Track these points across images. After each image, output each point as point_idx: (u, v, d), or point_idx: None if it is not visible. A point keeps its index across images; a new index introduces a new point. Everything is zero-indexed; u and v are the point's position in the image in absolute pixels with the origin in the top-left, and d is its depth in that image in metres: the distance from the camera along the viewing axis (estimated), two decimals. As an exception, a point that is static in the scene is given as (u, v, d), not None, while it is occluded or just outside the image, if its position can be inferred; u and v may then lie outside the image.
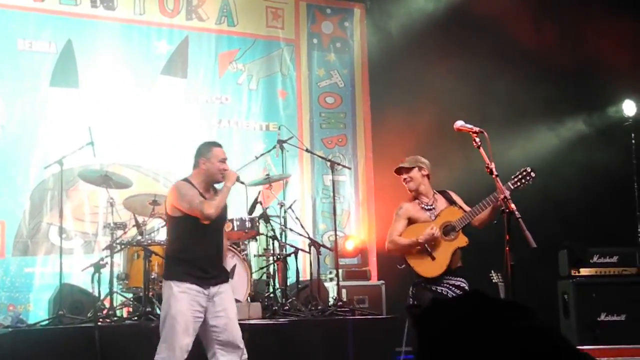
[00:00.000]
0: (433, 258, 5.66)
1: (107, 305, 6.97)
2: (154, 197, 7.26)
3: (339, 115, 10.44)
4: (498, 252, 4.33)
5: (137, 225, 7.24)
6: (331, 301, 8.03)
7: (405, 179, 5.85)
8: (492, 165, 4.30)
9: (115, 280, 7.07)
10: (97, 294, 7.07)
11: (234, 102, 9.73)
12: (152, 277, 6.90)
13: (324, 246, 8.21)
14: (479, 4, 9.21)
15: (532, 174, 5.26)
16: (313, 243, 7.91)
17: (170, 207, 5.38)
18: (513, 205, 4.08)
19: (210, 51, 9.67)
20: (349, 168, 9.79)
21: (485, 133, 4.41)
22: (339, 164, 8.52)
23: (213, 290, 5.30)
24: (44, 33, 8.79)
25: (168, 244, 5.66)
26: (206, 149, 5.49)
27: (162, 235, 7.46)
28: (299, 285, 7.83)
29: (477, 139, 4.40)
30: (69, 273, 7.96)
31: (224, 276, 5.52)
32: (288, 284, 7.80)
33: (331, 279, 8.76)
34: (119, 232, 7.28)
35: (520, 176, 5.32)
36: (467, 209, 5.72)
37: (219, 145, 5.56)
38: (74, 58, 8.86)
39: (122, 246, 7.14)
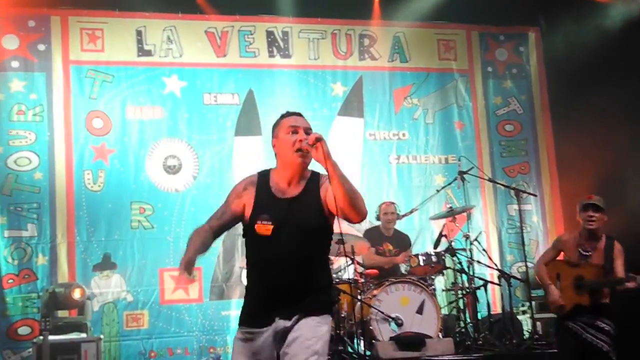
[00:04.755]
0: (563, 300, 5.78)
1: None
2: (339, 236, 7.30)
3: (520, 143, 10.17)
4: None
5: (325, 264, 7.33)
6: (526, 335, 7.75)
7: (591, 216, 5.71)
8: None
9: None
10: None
11: (412, 137, 9.75)
12: (342, 315, 6.97)
13: (514, 277, 7.96)
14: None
15: None
16: (503, 275, 7.70)
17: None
18: None
19: (384, 89, 9.77)
20: (535, 195, 9.43)
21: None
22: (524, 192, 8.25)
23: None
24: (227, 86, 9.25)
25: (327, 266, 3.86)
26: (276, 124, 3.76)
27: (349, 273, 7.54)
28: (491, 319, 7.61)
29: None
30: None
31: None
32: (479, 317, 7.61)
33: (524, 312, 8.46)
34: (308, 273, 7.39)
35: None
36: (619, 268, 5.67)
37: (292, 114, 3.76)
38: (256, 107, 9.25)
39: (311, 286, 7.25)
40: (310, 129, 3.66)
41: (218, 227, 3.74)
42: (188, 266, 3.51)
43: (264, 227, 3.58)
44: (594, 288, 5.66)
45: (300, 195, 3.64)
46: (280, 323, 3.50)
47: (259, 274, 3.63)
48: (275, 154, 3.71)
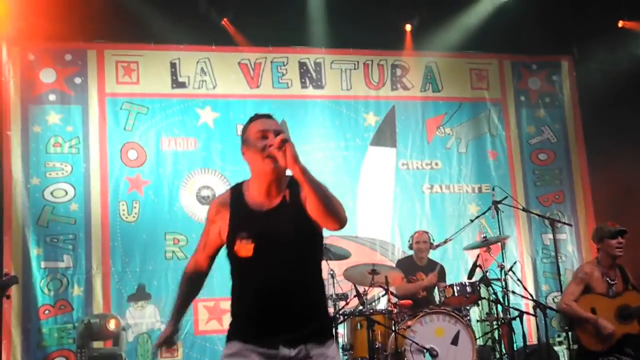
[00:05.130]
0: (600, 335, 5.65)
1: (334, 376, 7.04)
2: (372, 267, 7.32)
3: (554, 172, 10.10)
4: None
5: (358, 295, 7.32)
6: (563, 366, 7.64)
7: (621, 243, 5.75)
8: None
9: (340, 351, 7.16)
10: (323, 365, 7.17)
11: (445, 166, 9.72)
12: (377, 346, 6.91)
13: (550, 308, 7.84)
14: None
15: None
16: (538, 305, 7.59)
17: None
18: None
19: (417, 118, 9.78)
20: (570, 225, 9.37)
21: None
22: (559, 222, 8.18)
23: None
24: (260, 117, 9.28)
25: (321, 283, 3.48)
26: (245, 129, 3.40)
27: (382, 304, 7.50)
28: (527, 350, 7.51)
29: None
30: (296, 345, 8.22)
31: None
32: (515, 349, 7.51)
33: (560, 343, 8.35)
34: (342, 303, 7.39)
35: None
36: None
37: (261, 116, 3.42)
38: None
39: (345, 317, 7.24)
40: (282, 131, 3.23)
41: (205, 259, 3.52)
42: (166, 343, 3.49)
43: (244, 247, 3.20)
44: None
45: (280, 205, 3.26)
46: (285, 351, 3.18)
47: (248, 300, 3.25)
48: (247, 163, 3.35)
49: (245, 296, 3.27)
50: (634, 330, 5.59)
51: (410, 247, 8.23)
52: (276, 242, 3.21)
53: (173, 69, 9.17)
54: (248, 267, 3.23)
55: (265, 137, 3.24)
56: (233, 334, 3.27)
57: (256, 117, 3.38)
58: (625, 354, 5.63)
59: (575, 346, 6.09)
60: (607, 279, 5.76)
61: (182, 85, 9.17)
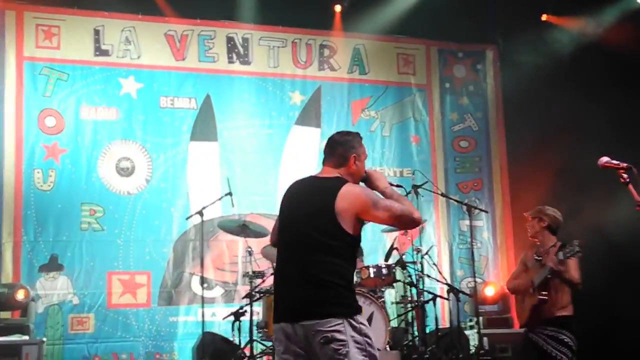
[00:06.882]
0: (522, 308, 6.01)
1: (248, 353, 7.05)
2: (290, 246, 7.31)
3: (474, 159, 10.27)
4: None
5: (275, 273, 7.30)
6: (472, 350, 7.80)
7: (527, 225, 6.18)
8: (643, 203, 4.03)
9: (255, 328, 7.15)
10: (237, 343, 7.18)
11: (368, 149, 9.49)
12: (291, 325, 6.93)
13: (463, 292, 7.99)
14: (614, 36, 8.90)
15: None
16: (452, 289, 7.73)
17: (352, 219, 3.80)
18: None
19: (342, 100, 9.79)
20: (486, 212, 9.52)
21: (634, 169, 4.16)
22: (476, 208, 8.33)
23: None
24: (185, 90, 9.16)
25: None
26: (358, 143, 4.08)
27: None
28: (439, 333, 7.64)
29: (625, 175, 4.15)
30: (211, 322, 8.23)
31: None
32: (427, 331, 7.64)
33: (471, 327, 8.53)
34: (258, 281, 7.39)
35: (570, 250, 5.64)
36: (552, 257, 5.80)
37: None
38: (213, 112, 9.18)
39: (261, 294, 7.23)
40: None
41: None
42: None
43: None
44: (539, 283, 5.77)
45: None
46: None
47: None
48: (350, 168, 4.01)
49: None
50: (535, 302, 5.77)
51: (331, 227, 8.24)
52: None
53: (96, 36, 8.91)
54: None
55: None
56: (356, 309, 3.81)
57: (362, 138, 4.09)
58: (553, 338, 5.74)
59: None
60: (535, 256, 5.98)
61: (105, 53, 8.93)
